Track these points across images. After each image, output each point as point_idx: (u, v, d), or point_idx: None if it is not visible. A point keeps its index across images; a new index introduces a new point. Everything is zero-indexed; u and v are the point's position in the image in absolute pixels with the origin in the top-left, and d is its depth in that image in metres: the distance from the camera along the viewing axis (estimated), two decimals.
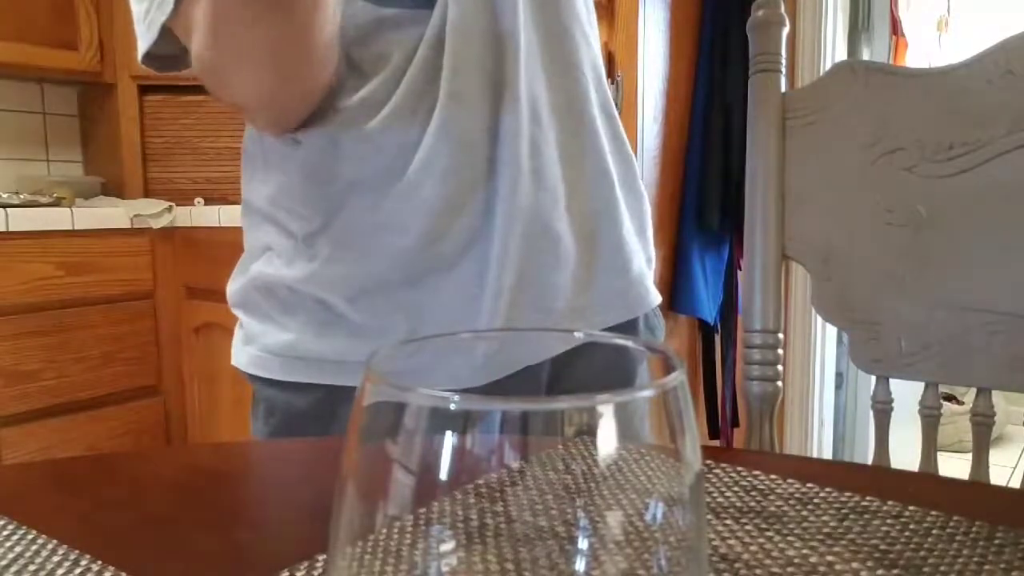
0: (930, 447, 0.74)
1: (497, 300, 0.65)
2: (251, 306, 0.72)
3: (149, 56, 0.66)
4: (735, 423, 2.38)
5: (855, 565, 0.36)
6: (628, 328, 0.74)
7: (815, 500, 0.44)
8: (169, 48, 0.64)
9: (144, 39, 0.64)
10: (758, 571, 0.36)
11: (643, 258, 0.76)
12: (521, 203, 0.65)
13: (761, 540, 0.39)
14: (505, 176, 0.65)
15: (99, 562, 0.37)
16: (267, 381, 0.70)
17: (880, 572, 0.36)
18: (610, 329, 0.71)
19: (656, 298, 0.77)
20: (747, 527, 0.40)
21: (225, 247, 2.06)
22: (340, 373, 0.67)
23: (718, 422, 2.36)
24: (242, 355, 0.72)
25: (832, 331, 2.42)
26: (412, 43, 0.63)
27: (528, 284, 0.66)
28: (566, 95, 0.69)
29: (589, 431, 0.16)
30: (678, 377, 0.18)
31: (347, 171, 0.65)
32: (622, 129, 0.76)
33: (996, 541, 0.38)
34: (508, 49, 0.64)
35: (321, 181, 0.66)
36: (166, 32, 0.62)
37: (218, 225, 2.03)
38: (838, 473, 0.51)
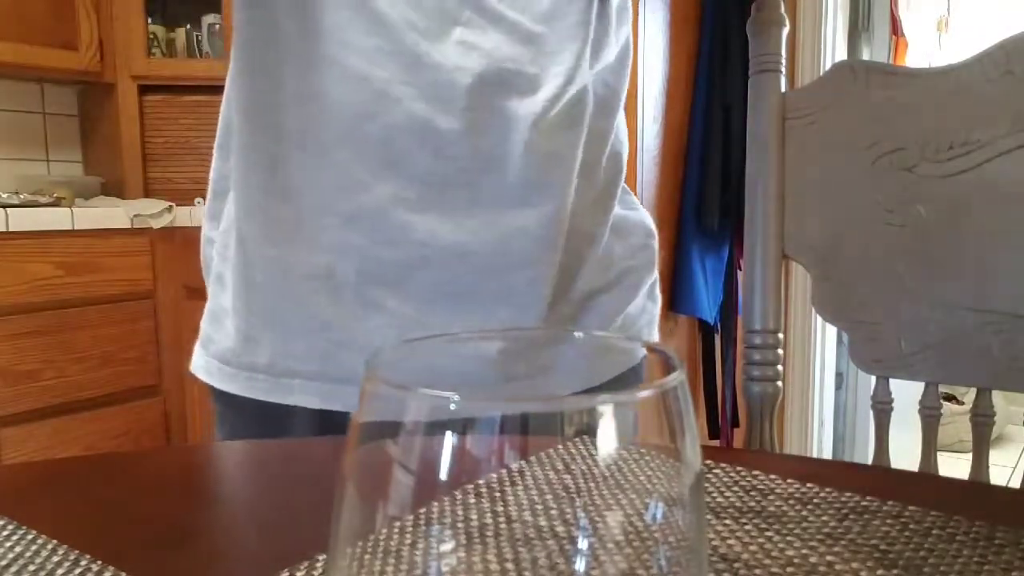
0: (930, 447, 0.74)
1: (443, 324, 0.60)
2: (210, 298, 0.70)
3: None
4: (735, 423, 2.38)
5: (855, 565, 0.36)
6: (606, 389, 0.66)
7: (815, 500, 0.44)
8: None
9: None
10: (758, 571, 0.36)
11: (641, 296, 0.71)
12: (504, 233, 0.59)
13: (761, 540, 0.39)
14: (489, 205, 0.58)
15: (99, 562, 0.37)
16: (217, 390, 0.67)
17: (880, 572, 0.36)
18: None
19: (635, 358, 0.70)
20: (747, 527, 0.40)
21: None
22: (269, 386, 0.63)
23: (718, 422, 2.36)
24: (197, 358, 0.69)
25: (832, 331, 2.42)
26: None
27: (482, 319, 0.60)
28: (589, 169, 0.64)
29: (589, 431, 0.16)
30: (678, 377, 0.18)
31: (290, 119, 0.58)
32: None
33: (996, 541, 0.38)
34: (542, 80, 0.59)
35: (260, 125, 0.60)
36: None
37: None
38: (838, 473, 0.50)
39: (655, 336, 0.75)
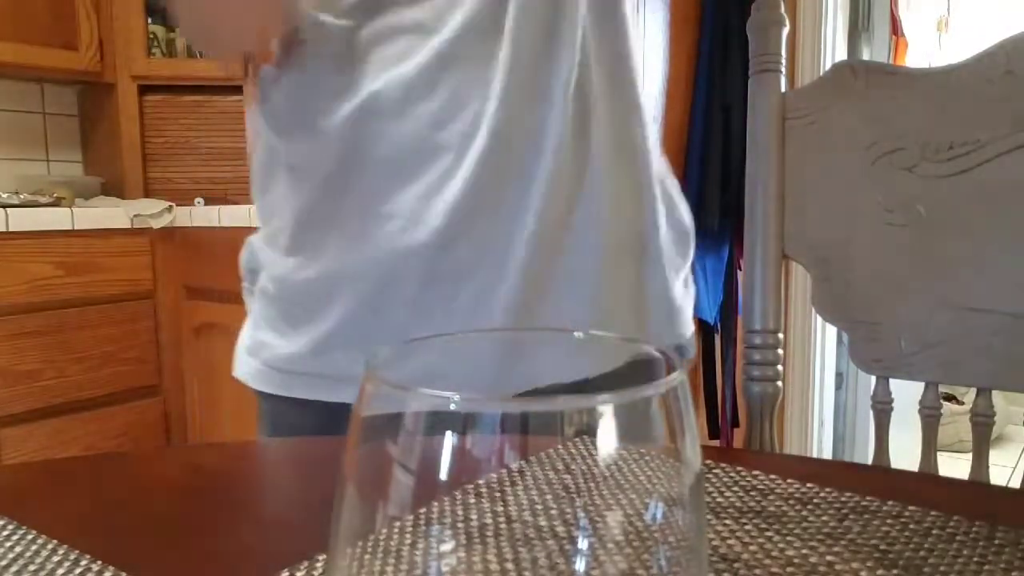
0: (930, 447, 0.74)
1: (508, 315, 0.61)
2: (259, 308, 0.70)
3: None
4: (735, 423, 2.38)
5: (855, 565, 0.36)
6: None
7: (815, 500, 0.44)
8: None
9: None
10: (758, 571, 0.36)
11: (680, 282, 0.72)
12: (554, 211, 0.61)
13: (761, 540, 0.39)
14: (540, 180, 0.61)
15: (99, 562, 0.37)
16: (269, 395, 0.67)
17: (880, 572, 0.36)
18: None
19: (689, 328, 0.73)
20: (747, 527, 0.40)
21: (225, 247, 2.06)
22: (342, 390, 0.63)
23: (718, 422, 2.36)
24: (245, 366, 0.69)
25: (832, 331, 2.42)
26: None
27: (549, 300, 0.62)
28: (622, 107, 0.66)
29: (589, 431, 0.16)
30: (678, 377, 0.18)
31: (370, 148, 0.60)
32: (668, 178, 0.72)
33: (996, 541, 0.38)
34: (563, 45, 0.61)
35: (342, 154, 0.61)
36: None
37: (218, 225, 2.03)
38: (838, 473, 0.51)
39: (690, 324, 0.75)
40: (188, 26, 0.65)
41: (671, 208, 0.72)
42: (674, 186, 0.74)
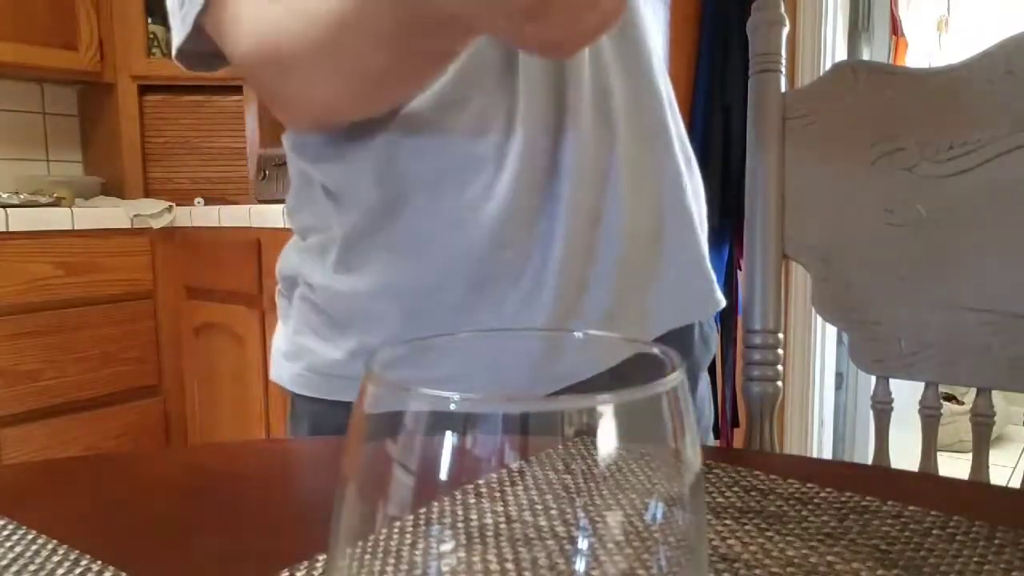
0: (930, 447, 0.74)
1: (556, 305, 0.62)
2: (299, 314, 0.70)
3: (182, 53, 0.61)
4: (735, 423, 2.38)
5: (855, 565, 0.36)
6: (684, 335, 0.70)
7: (815, 500, 0.44)
8: (204, 45, 0.60)
9: (178, 33, 0.60)
10: (758, 571, 0.36)
11: (708, 260, 0.73)
12: (584, 205, 0.62)
13: (761, 540, 0.39)
14: (567, 178, 0.61)
15: (99, 562, 0.37)
16: (310, 398, 0.68)
17: (880, 572, 0.36)
18: (669, 333, 0.68)
19: (721, 301, 0.73)
20: (747, 527, 0.40)
21: (225, 247, 2.06)
22: None
23: (718, 422, 2.36)
24: (283, 371, 0.69)
25: (832, 331, 2.42)
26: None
27: (589, 288, 0.63)
28: (636, 91, 0.66)
29: (589, 431, 0.16)
30: (678, 377, 0.18)
31: (412, 168, 0.61)
32: (684, 130, 0.72)
33: (996, 541, 0.38)
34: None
35: (383, 179, 0.62)
36: (202, 27, 0.58)
37: (218, 225, 2.03)
38: (838, 473, 0.51)
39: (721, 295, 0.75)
40: (276, 97, 0.61)
41: (691, 169, 0.72)
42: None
